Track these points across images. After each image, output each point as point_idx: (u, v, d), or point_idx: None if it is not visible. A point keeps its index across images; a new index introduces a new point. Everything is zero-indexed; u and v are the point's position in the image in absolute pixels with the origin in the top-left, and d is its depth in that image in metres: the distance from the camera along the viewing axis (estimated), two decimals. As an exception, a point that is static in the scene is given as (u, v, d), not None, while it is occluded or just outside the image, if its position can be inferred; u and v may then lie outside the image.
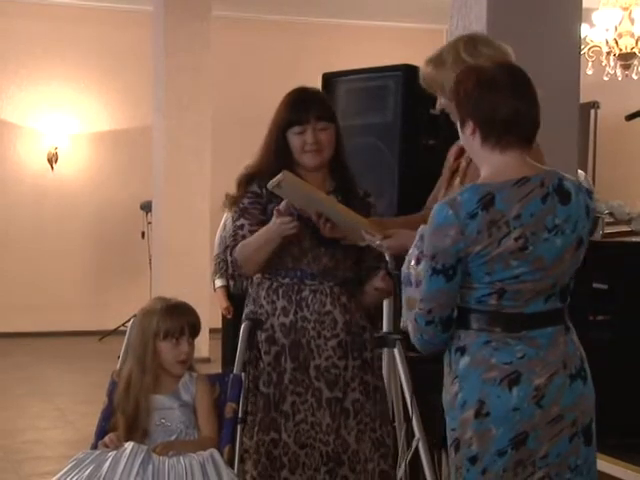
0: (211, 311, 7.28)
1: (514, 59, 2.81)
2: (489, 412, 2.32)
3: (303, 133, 3.13)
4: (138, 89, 10.63)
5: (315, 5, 10.47)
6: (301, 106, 3.15)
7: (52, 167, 10.87)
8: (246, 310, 3.28)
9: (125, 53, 10.77)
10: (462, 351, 2.38)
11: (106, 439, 2.95)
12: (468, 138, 2.40)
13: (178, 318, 3.09)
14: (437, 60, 2.84)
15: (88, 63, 10.83)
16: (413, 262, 2.42)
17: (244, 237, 3.16)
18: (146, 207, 10.03)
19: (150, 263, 9.95)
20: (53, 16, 10.62)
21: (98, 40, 10.75)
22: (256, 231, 3.14)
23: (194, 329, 3.12)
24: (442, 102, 2.84)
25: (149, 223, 10.04)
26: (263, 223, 3.14)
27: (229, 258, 3.21)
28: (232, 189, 3.31)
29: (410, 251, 2.45)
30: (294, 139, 3.15)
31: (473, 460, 2.35)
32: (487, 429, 2.32)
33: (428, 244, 2.35)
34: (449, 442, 2.41)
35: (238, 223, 3.20)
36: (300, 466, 3.08)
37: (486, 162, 2.38)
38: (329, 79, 4.17)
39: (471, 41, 2.87)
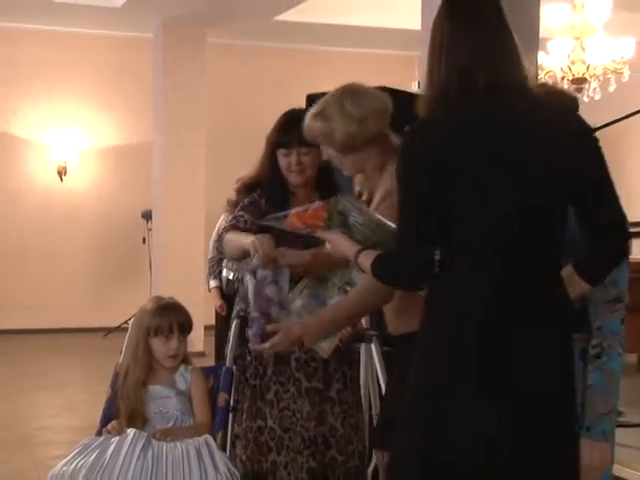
0: (206, 309, 7.27)
1: (391, 107, 2.69)
2: None
3: (289, 155, 3.16)
4: (139, 108, 10.61)
5: (300, 33, 10.48)
6: (288, 130, 3.14)
7: (61, 179, 10.84)
8: (236, 308, 3.29)
9: (128, 76, 10.74)
10: None
11: (109, 426, 2.94)
12: None
13: (167, 316, 3.09)
14: (323, 114, 2.65)
15: (95, 85, 10.81)
16: None
17: (246, 222, 3.14)
18: (147, 215, 10.03)
19: (150, 266, 9.94)
20: (63, 42, 10.58)
21: (104, 64, 10.73)
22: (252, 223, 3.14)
23: (183, 326, 3.11)
24: (329, 153, 2.68)
25: (149, 230, 10.03)
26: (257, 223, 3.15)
27: (223, 235, 3.17)
28: (224, 199, 3.32)
29: None
30: (281, 159, 3.19)
31: None
32: None
33: None
34: None
35: (239, 213, 3.21)
36: (284, 448, 3.08)
37: None
38: (313, 100, 4.15)
39: (354, 94, 2.67)
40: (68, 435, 5.61)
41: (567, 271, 2.11)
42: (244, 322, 3.14)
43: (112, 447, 2.79)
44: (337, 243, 2.35)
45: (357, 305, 2.56)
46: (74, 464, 2.79)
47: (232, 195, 3.58)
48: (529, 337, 2.01)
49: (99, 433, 2.98)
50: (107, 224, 10.89)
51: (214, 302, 6.09)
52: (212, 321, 6.35)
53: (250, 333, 2.65)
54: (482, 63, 2.07)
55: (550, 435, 2.04)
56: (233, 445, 3.08)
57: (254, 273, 2.77)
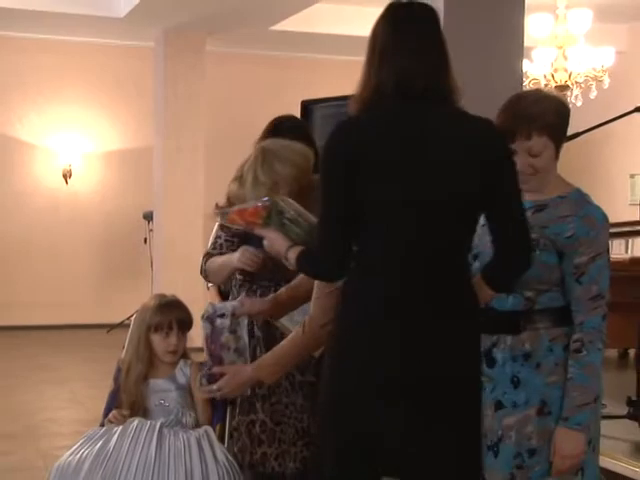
0: (204, 306, 7.27)
1: (312, 162, 2.70)
2: None
3: None
4: (141, 114, 10.60)
5: (296, 42, 10.48)
6: (274, 136, 3.09)
7: (66, 182, 10.82)
8: None
9: (130, 82, 10.73)
10: None
11: (110, 416, 2.95)
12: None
13: (168, 313, 3.09)
14: (240, 179, 2.67)
15: (99, 91, 10.79)
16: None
17: (221, 246, 3.20)
18: (148, 216, 10.02)
19: (151, 265, 9.93)
20: (68, 51, 10.57)
21: (107, 71, 10.72)
22: (230, 241, 3.18)
23: (183, 323, 3.12)
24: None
25: (150, 230, 10.02)
26: (237, 234, 3.14)
27: (203, 265, 3.25)
28: (222, 201, 3.31)
29: None
30: None
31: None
32: None
33: (604, 240, 2.32)
34: None
35: (218, 234, 3.25)
36: (276, 441, 3.07)
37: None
38: (307, 106, 4.19)
39: (266, 159, 2.69)
40: (73, 427, 5.60)
41: (478, 278, 2.17)
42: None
43: (115, 437, 2.79)
44: (272, 240, 2.39)
45: (312, 338, 2.60)
46: (79, 454, 2.79)
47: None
48: (432, 335, 2.04)
49: (102, 424, 2.98)
50: (110, 225, 10.88)
51: (212, 300, 6.08)
52: (211, 318, 6.36)
53: (200, 375, 2.71)
54: (420, 69, 2.08)
55: (454, 432, 2.08)
56: (231, 436, 3.07)
57: (211, 321, 2.81)
